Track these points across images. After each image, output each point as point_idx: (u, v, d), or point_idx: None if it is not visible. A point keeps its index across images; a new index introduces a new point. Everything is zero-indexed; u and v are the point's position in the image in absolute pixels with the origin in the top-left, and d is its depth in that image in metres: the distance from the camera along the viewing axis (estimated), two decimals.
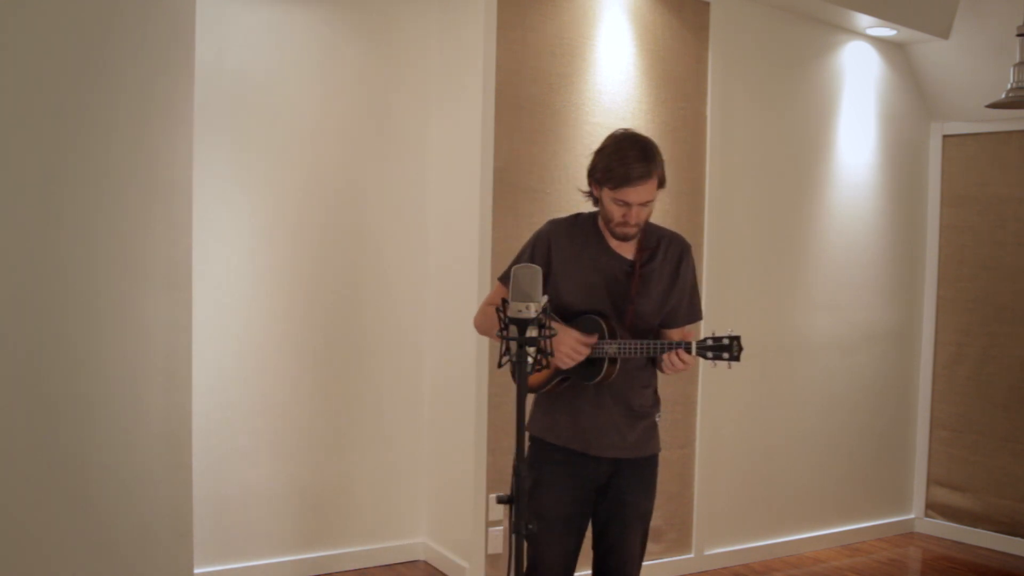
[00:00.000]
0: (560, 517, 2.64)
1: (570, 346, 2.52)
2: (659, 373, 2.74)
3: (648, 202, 2.54)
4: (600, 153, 2.59)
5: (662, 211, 4.27)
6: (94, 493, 2.69)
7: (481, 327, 2.82)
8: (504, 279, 2.67)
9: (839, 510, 5.04)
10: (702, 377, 4.43)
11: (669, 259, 2.68)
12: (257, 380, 4.00)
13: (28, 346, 2.59)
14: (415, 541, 4.39)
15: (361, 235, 4.21)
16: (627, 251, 2.66)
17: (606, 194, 2.56)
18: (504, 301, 2.15)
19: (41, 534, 2.61)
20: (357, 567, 4.22)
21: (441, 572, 4.21)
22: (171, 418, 2.82)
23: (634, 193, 2.51)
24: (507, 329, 2.12)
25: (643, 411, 2.70)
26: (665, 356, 2.54)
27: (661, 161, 2.56)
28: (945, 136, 5.25)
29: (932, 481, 5.31)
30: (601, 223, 2.66)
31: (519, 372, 2.11)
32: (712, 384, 4.47)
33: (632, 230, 2.58)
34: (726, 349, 2.53)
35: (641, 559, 2.73)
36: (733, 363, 2.55)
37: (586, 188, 2.67)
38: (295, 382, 4.08)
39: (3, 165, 2.54)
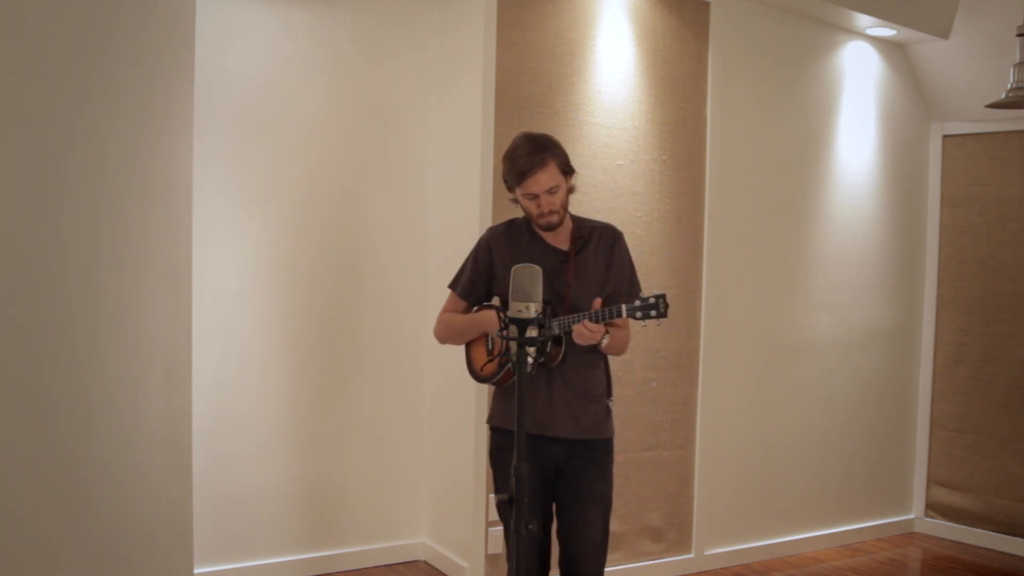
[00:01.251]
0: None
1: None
2: (610, 358, 2.90)
3: (554, 188, 2.69)
4: (504, 158, 2.77)
5: (662, 211, 4.27)
6: (94, 493, 2.69)
7: (443, 336, 2.96)
8: (451, 287, 2.93)
9: (839, 510, 5.04)
10: (702, 377, 4.44)
11: (602, 246, 2.84)
12: (257, 380, 4.00)
13: (28, 346, 2.59)
14: (415, 541, 4.39)
15: (361, 235, 4.21)
16: (561, 243, 2.82)
17: (518, 193, 2.74)
18: (504, 301, 2.15)
19: (41, 534, 2.61)
20: (357, 567, 4.22)
21: (441, 572, 4.21)
22: (171, 418, 2.82)
23: (535, 183, 2.67)
24: (507, 329, 2.12)
25: (595, 395, 2.83)
26: (574, 327, 2.64)
27: (560, 150, 2.72)
28: (945, 136, 5.25)
29: (932, 481, 5.31)
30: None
31: (519, 372, 2.11)
32: (712, 384, 4.47)
33: (553, 218, 2.73)
34: (653, 307, 2.59)
35: (604, 546, 2.82)
36: (662, 320, 2.62)
37: (511, 196, 2.83)
38: (295, 382, 4.08)
39: (3, 165, 2.54)
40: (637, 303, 2.63)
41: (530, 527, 2.15)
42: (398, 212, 4.29)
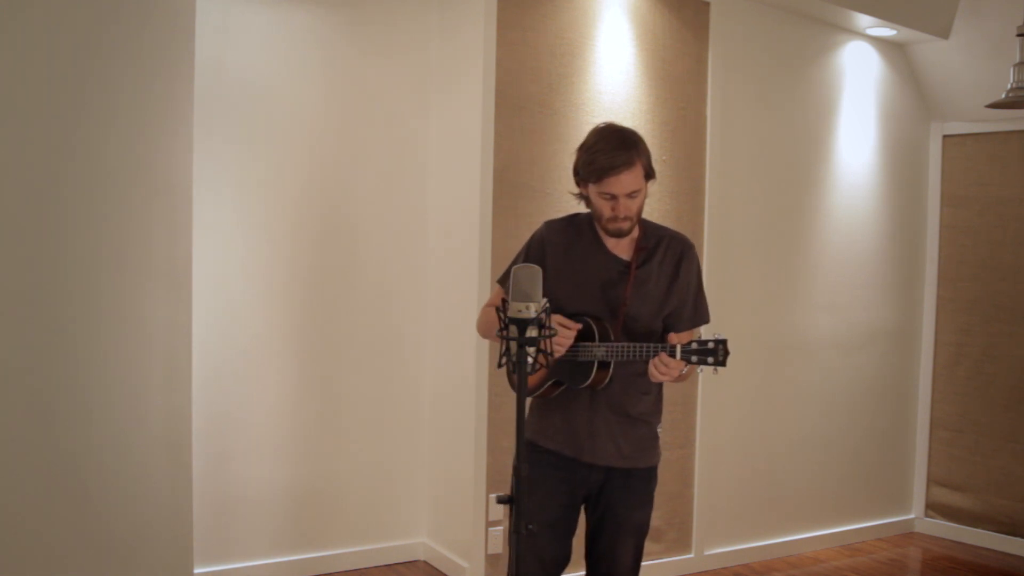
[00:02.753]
0: (547, 522, 2.54)
1: (556, 341, 2.43)
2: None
3: (635, 192, 2.45)
4: (582, 149, 2.52)
5: (662, 211, 4.27)
6: (94, 493, 2.69)
7: (481, 329, 2.79)
8: (502, 281, 2.63)
9: (839, 510, 5.04)
10: (702, 377, 4.43)
11: (668, 259, 2.59)
12: (257, 380, 4.00)
13: (28, 346, 2.59)
14: (415, 541, 4.39)
15: (361, 235, 4.21)
16: (624, 251, 2.58)
17: (592, 190, 2.49)
18: (504, 301, 2.14)
19: (41, 534, 2.61)
20: (357, 567, 4.22)
21: (441, 572, 4.21)
22: (171, 418, 2.82)
23: (618, 183, 2.43)
24: (507, 329, 2.11)
25: (641, 419, 2.61)
26: (651, 363, 2.44)
27: (645, 150, 2.49)
28: (945, 136, 5.25)
29: (932, 481, 5.31)
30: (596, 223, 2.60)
31: (519, 372, 2.10)
32: (712, 384, 4.47)
33: (625, 224, 2.49)
34: (711, 353, 2.39)
35: (636, 569, 2.65)
36: (719, 368, 2.41)
37: (575, 190, 2.60)
38: (295, 381, 4.08)
39: (3, 165, 2.54)
40: (694, 345, 2.40)
41: (530, 527, 2.14)
42: (398, 212, 4.29)
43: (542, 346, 2.14)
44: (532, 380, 2.59)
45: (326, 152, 4.12)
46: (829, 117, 4.88)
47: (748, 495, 4.68)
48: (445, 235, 4.24)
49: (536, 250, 2.64)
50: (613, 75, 4.15)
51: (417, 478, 4.37)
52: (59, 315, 2.63)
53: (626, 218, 2.48)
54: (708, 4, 4.38)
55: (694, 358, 2.40)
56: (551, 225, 2.68)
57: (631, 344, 2.47)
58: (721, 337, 2.40)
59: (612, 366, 2.50)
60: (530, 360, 2.09)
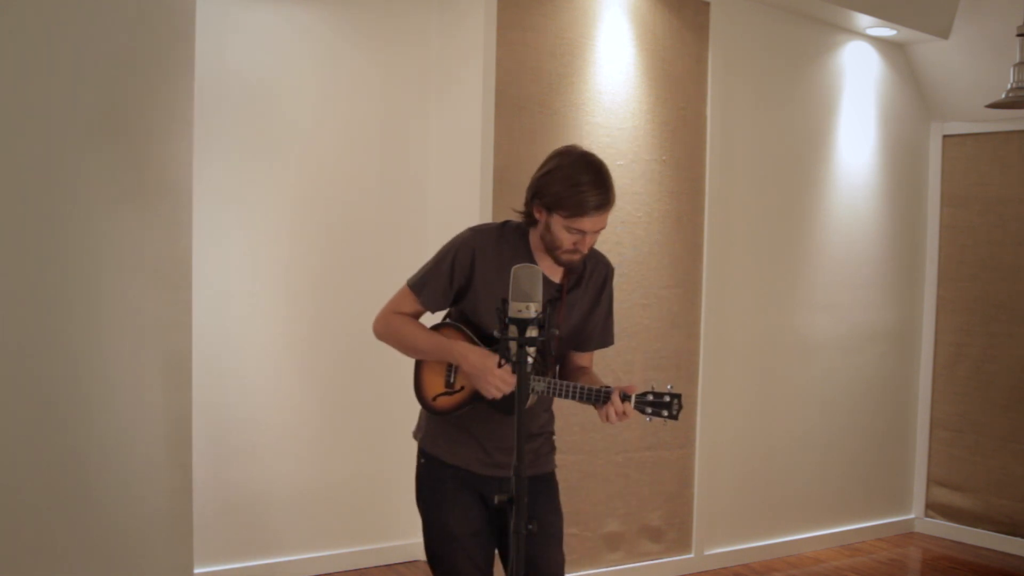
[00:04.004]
0: (471, 532, 2.49)
1: (501, 379, 2.31)
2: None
3: (602, 228, 2.39)
4: (550, 176, 2.37)
5: (662, 211, 4.27)
6: (94, 493, 2.69)
7: (384, 336, 2.55)
8: (413, 287, 2.51)
9: (839, 510, 5.04)
10: (702, 377, 4.43)
11: (593, 284, 2.54)
12: (257, 380, 4.00)
13: (28, 345, 2.59)
14: (415, 541, 4.38)
15: (361, 235, 4.21)
16: (554, 273, 2.46)
17: (557, 221, 2.35)
18: (504, 301, 2.12)
19: (41, 534, 2.61)
20: (357, 567, 4.22)
21: None
22: (171, 418, 2.82)
23: (590, 222, 2.34)
24: (507, 329, 2.10)
25: (541, 432, 2.59)
26: (604, 408, 2.36)
27: (613, 184, 2.39)
28: (945, 136, 5.25)
29: (932, 481, 5.31)
30: (535, 242, 2.46)
31: (519, 372, 2.10)
32: (712, 384, 4.47)
33: (579, 258, 2.41)
34: (666, 407, 2.37)
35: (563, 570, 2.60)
36: (670, 421, 2.39)
37: (521, 208, 2.47)
38: (295, 381, 4.08)
39: (3, 165, 2.54)
40: (650, 397, 2.37)
41: (530, 527, 2.13)
42: (398, 212, 4.28)
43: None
44: (451, 399, 2.49)
45: (326, 152, 4.12)
46: (829, 117, 4.87)
47: (748, 495, 4.68)
48: (445, 235, 4.21)
49: (465, 258, 2.45)
50: (613, 75, 4.15)
51: None
52: (59, 315, 2.63)
53: (584, 253, 2.41)
54: (708, 4, 4.38)
55: (648, 409, 2.38)
56: (481, 233, 2.51)
57: (574, 384, 2.41)
58: (676, 392, 2.39)
59: (541, 391, 2.43)
60: (530, 360, 2.08)
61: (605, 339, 2.63)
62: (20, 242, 2.58)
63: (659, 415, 2.38)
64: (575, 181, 2.33)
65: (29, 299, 2.59)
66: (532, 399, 2.45)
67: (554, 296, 2.44)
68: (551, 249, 2.41)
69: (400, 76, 4.25)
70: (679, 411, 2.38)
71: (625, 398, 2.36)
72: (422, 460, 2.58)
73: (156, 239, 2.79)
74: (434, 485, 2.53)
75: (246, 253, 3.97)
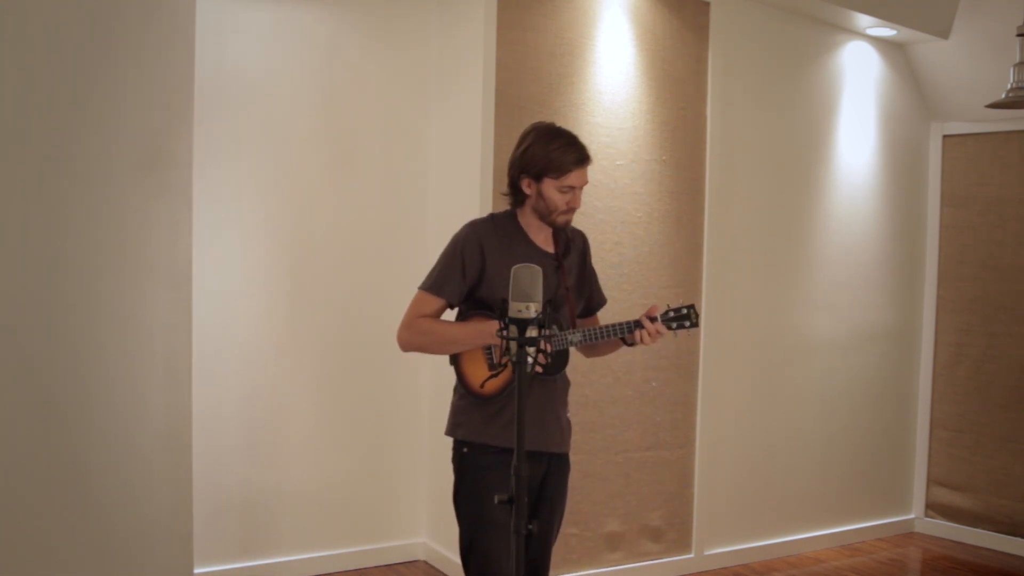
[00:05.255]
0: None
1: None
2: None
3: (585, 184, 2.66)
4: (530, 150, 2.64)
5: (662, 211, 4.27)
6: (94, 493, 2.69)
7: (421, 344, 2.62)
8: (430, 288, 2.62)
9: (839, 510, 5.04)
10: (702, 377, 4.43)
11: (576, 249, 2.79)
12: (257, 380, 4.00)
13: (29, 345, 2.59)
14: (415, 541, 4.39)
15: (362, 235, 4.21)
16: (546, 244, 2.72)
17: (548, 184, 2.61)
18: (504, 301, 2.13)
19: (41, 534, 2.61)
20: (357, 567, 4.22)
21: (441, 572, 4.21)
22: (171, 418, 2.82)
23: (576, 176, 2.61)
24: (507, 329, 2.10)
25: (567, 405, 2.77)
26: (637, 332, 2.62)
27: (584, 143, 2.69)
28: (945, 136, 5.25)
29: (932, 481, 5.31)
30: (526, 219, 2.69)
31: (519, 372, 2.10)
32: (712, 384, 4.47)
33: (571, 216, 2.67)
34: (686, 318, 2.64)
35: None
36: (692, 329, 2.68)
37: (504, 191, 2.71)
38: (295, 382, 4.08)
39: (3, 165, 2.54)
40: (671, 313, 2.64)
41: (530, 527, 2.13)
42: (398, 212, 4.29)
43: (543, 346, 2.14)
44: (494, 385, 2.61)
45: (326, 152, 4.12)
46: (829, 117, 4.88)
47: (748, 495, 4.68)
48: (445, 235, 4.21)
49: (473, 250, 2.63)
50: (613, 75, 4.15)
51: (417, 478, 4.37)
52: (59, 315, 2.63)
53: (575, 209, 2.66)
54: (708, 4, 4.38)
55: (674, 324, 2.65)
56: (478, 226, 2.71)
57: (605, 326, 2.64)
58: (688, 303, 2.68)
59: (568, 353, 2.65)
60: (530, 360, 2.08)
61: (600, 297, 2.89)
62: (20, 243, 2.58)
63: (683, 326, 2.65)
64: (553, 146, 2.62)
65: (29, 299, 2.59)
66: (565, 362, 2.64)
67: (554, 264, 2.69)
68: (547, 215, 2.65)
69: (400, 76, 4.26)
70: (697, 318, 2.66)
71: (652, 320, 2.63)
72: (464, 450, 2.65)
73: (156, 239, 2.79)
74: (476, 475, 2.60)
75: (246, 253, 3.97)
